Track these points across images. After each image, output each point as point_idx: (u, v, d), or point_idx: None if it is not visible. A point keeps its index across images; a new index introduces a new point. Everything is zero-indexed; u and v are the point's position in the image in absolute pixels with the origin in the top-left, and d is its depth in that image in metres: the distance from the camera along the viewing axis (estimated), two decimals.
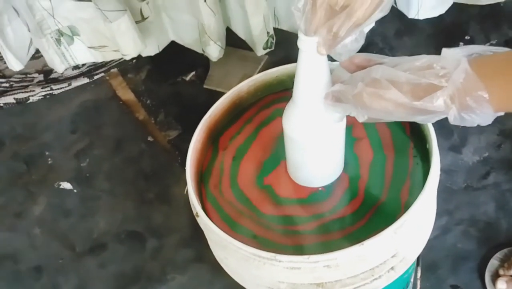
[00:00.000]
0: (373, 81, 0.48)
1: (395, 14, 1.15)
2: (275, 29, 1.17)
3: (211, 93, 1.30)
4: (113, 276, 1.10)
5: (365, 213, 0.59)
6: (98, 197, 1.21)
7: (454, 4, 1.14)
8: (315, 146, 0.57)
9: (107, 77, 1.39)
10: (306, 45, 0.50)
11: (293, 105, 0.56)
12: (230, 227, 0.61)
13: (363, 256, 0.54)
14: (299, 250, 0.58)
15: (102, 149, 1.28)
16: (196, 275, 1.07)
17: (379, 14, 0.48)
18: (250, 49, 1.20)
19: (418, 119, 0.48)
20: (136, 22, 1.11)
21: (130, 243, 1.13)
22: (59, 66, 1.18)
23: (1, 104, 1.37)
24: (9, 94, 1.38)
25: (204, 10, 1.06)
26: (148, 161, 1.24)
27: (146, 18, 1.14)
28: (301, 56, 0.52)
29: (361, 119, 0.51)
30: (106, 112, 1.34)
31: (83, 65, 1.40)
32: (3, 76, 1.43)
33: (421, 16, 1.12)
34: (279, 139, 0.65)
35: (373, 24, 1.16)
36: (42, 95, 1.38)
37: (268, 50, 1.17)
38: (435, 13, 1.13)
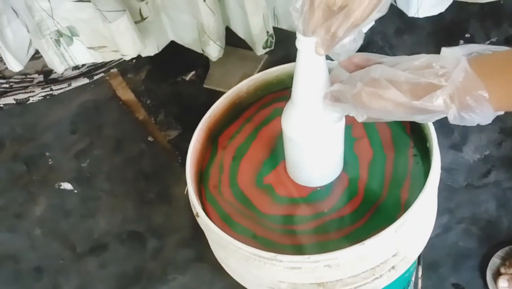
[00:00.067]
0: (372, 80, 0.48)
1: (395, 12, 1.14)
2: (274, 29, 1.17)
3: (211, 93, 1.30)
4: (113, 277, 1.10)
5: (365, 212, 0.59)
6: (98, 197, 1.21)
7: (454, 2, 1.14)
8: (314, 146, 0.57)
9: (107, 78, 1.39)
10: (304, 45, 0.50)
11: (292, 105, 0.56)
12: (230, 227, 0.61)
13: (364, 256, 0.54)
14: (299, 249, 0.58)
15: (102, 149, 1.28)
16: (196, 275, 1.07)
17: (377, 14, 0.48)
18: (249, 48, 1.20)
19: (417, 118, 0.48)
20: (136, 22, 1.11)
21: (131, 243, 1.13)
22: (58, 67, 1.18)
23: (1, 105, 1.37)
24: (9, 95, 1.38)
25: (204, 10, 1.06)
26: (148, 161, 1.24)
27: (146, 18, 1.13)
28: (300, 56, 0.52)
29: (360, 119, 0.51)
30: (106, 112, 1.34)
31: (83, 65, 1.40)
32: (3, 77, 1.42)
33: (421, 15, 1.12)
34: (279, 139, 0.65)
35: (373, 23, 1.16)
36: (42, 96, 1.38)
37: (267, 49, 1.17)
38: (435, 12, 1.13)
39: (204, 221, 0.58)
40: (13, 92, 1.38)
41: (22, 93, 1.38)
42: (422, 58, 0.47)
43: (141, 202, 1.19)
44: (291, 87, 0.55)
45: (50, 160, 1.28)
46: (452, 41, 1.28)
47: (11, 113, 1.37)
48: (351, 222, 0.59)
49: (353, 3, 0.47)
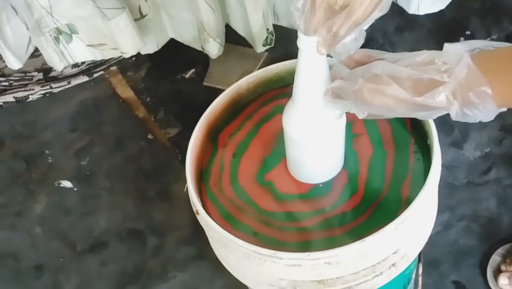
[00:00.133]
0: (373, 77, 0.47)
1: (395, 9, 1.14)
2: (274, 26, 1.17)
3: (211, 90, 1.30)
4: (114, 274, 1.10)
5: (366, 208, 0.59)
6: (98, 195, 1.21)
7: None
8: (315, 144, 0.57)
9: (107, 75, 1.39)
10: (306, 44, 0.50)
11: (293, 104, 0.56)
12: (231, 224, 0.61)
13: (364, 253, 0.54)
14: (300, 246, 0.58)
15: (102, 147, 1.28)
16: (196, 272, 1.07)
17: (378, 13, 0.48)
18: (249, 46, 1.20)
19: (419, 115, 0.48)
20: (135, 19, 1.10)
21: (131, 241, 1.13)
22: (58, 65, 1.18)
23: (1, 103, 1.37)
24: (9, 93, 1.37)
25: (203, 7, 1.06)
26: (148, 158, 1.24)
27: (145, 15, 1.13)
28: (301, 55, 0.52)
29: (361, 116, 0.50)
30: (105, 110, 1.34)
31: (83, 63, 1.40)
32: (3, 75, 1.42)
33: (421, 12, 1.12)
34: (279, 136, 0.65)
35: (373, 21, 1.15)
36: (42, 94, 1.37)
37: (267, 47, 1.17)
38: (435, 9, 1.12)
39: (204, 219, 0.58)
40: (13, 90, 1.38)
41: (22, 91, 1.37)
42: (424, 54, 0.47)
43: (141, 199, 1.18)
44: (291, 84, 0.55)
45: (50, 158, 1.28)
46: (452, 39, 1.28)
47: (11, 111, 1.37)
48: (353, 218, 0.59)
49: (355, 2, 0.46)
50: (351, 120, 0.64)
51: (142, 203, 1.18)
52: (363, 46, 0.52)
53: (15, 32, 1.10)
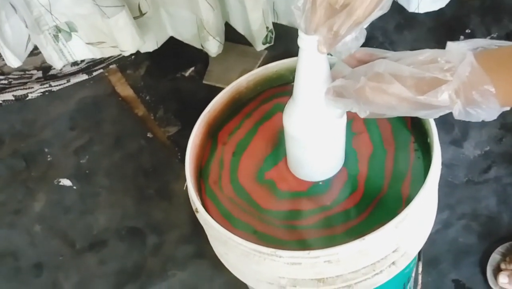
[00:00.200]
0: (376, 75, 0.47)
1: (395, 8, 1.14)
2: (274, 24, 1.17)
3: (211, 89, 1.30)
4: (113, 273, 1.10)
5: (367, 207, 0.59)
6: (97, 194, 1.20)
7: None
8: (316, 143, 0.57)
9: (106, 74, 1.39)
10: (307, 43, 0.50)
11: (294, 103, 0.56)
12: (230, 222, 0.61)
13: (364, 251, 0.54)
14: (299, 245, 0.58)
15: (101, 145, 1.28)
16: (196, 271, 1.07)
17: (379, 12, 0.48)
18: (249, 44, 1.20)
19: (421, 114, 0.47)
20: (134, 17, 1.10)
21: (130, 239, 1.13)
22: (57, 63, 1.17)
23: (0, 102, 1.37)
24: (8, 92, 1.37)
25: (203, 5, 1.05)
26: (147, 157, 1.24)
27: (144, 13, 1.13)
28: (302, 54, 0.52)
29: (362, 114, 0.50)
30: (105, 108, 1.34)
31: (82, 61, 1.40)
32: (2, 74, 1.42)
33: (422, 10, 1.12)
34: (279, 134, 0.65)
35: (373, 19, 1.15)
36: (41, 92, 1.37)
37: (267, 45, 1.17)
38: (435, 7, 1.12)
39: (203, 217, 0.58)
40: (12, 89, 1.38)
41: (21, 89, 1.37)
42: (427, 53, 0.46)
43: (140, 198, 1.18)
44: (291, 82, 0.55)
45: (49, 156, 1.28)
46: (452, 37, 1.27)
47: (10, 109, 1.37)
48: (353, 216, 0.59)
49: (355, 1, 0.46)
50: (351, 119, 0.64)
51: (142, 201, 1.18)
52: (363, 45, 0.52)
53: (14, 30, 1.10)
